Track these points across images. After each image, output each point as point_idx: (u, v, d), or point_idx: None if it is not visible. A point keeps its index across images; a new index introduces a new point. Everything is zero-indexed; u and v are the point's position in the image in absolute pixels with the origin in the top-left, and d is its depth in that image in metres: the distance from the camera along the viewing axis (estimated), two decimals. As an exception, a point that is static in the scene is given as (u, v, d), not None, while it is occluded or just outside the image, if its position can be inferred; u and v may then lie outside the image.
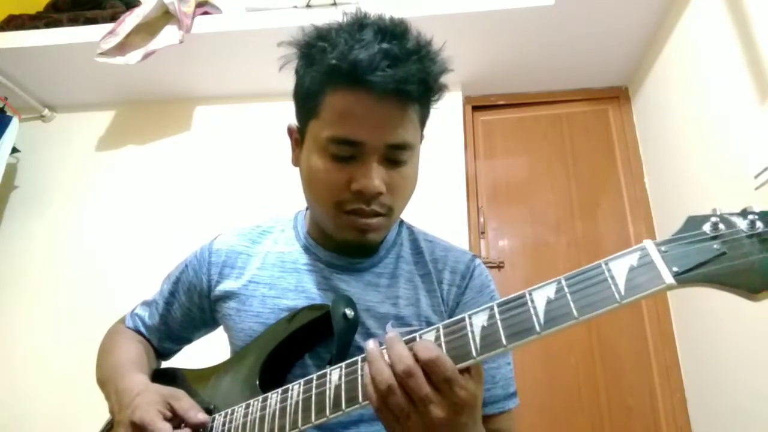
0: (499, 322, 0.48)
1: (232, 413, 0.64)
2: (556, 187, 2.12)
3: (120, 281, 2.00)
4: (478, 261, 0.81)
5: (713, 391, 1.59)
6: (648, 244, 0.45)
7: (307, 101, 0.69)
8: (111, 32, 1.94)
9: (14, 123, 2.13)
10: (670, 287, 0.43)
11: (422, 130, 0.73)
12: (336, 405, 0.53)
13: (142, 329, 0.87)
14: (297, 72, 0.71)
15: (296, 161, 0.75)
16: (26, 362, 1.96)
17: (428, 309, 0.75)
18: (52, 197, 2.22)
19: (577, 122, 2.22)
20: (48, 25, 2.13)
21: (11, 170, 2.24)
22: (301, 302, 0.73)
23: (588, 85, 2.24)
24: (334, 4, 1.87)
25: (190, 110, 2.30)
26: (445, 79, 0.68)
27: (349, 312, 0.67)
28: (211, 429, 0.65)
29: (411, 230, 0.84)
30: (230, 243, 0.82)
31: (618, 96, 2.23)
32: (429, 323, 0.71)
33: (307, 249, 0.79)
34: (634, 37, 1.94)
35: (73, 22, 2.13)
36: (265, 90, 2.19)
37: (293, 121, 0.75)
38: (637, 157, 2.11)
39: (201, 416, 0.64)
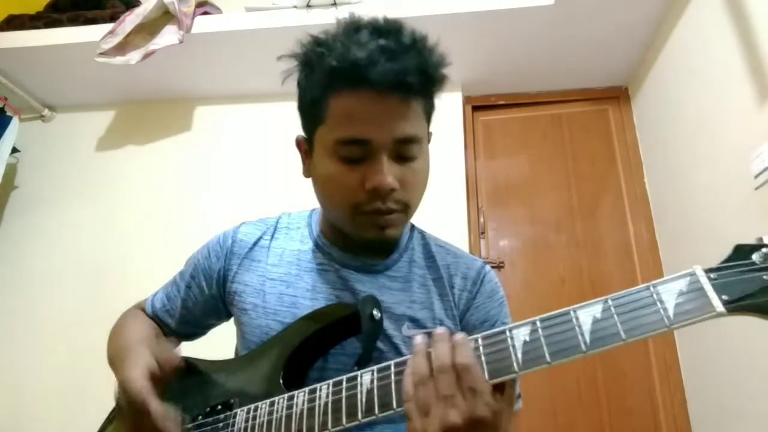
0: (542, 338, 0.49)
1: (256, 410, 0.64)
2: (556, 187, 2.12)
3: (121, 281, 1.99)
4: (488, 267, 0.83)
5: (713, 391, 1.59)
6: (697, 270, 0.46)
7: (312, 109, 0.69)
8: (111, 32, 1.94)
9: (14, 123, 2.13)
10: (720, 314, 0.44)
11: (429, 124, 0.73)
12: (369, 410, 0.54)
13: (158, 312, 0.85)
14: (299, 84, 0.71)
15: (307, 172, 0.76)
16: (27, 363, 1.96)
17: (441, 312, 0.76)
18: (52, 197, 2.22)
19: (577, 122, 2.22)
20: (48, 25, 2.13)
21: (11, 170, 2.24)
22: (319, 303, 0.73)
23: (588, 85, 2.24)
24: (334, 4, 1.87)
25: (190, 110, 2.30)
26: (445, 70, 0.68)
27: (376, 313, 0.66)
28: (233, 424, 0.65)
29: (422, 235, 0.85)
30: (255, 234, 0.82)
31: (618, 96, 2.23)
32: (442, 326, 0.71)
33: (320, 248, 0.79)
34: (634, 37, 1.94)
35: (73, 22, 2.13)
36: (265, 90, 2.18)
37: (301, 134, 0.75)
38: (637, 157, 2.11)
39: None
